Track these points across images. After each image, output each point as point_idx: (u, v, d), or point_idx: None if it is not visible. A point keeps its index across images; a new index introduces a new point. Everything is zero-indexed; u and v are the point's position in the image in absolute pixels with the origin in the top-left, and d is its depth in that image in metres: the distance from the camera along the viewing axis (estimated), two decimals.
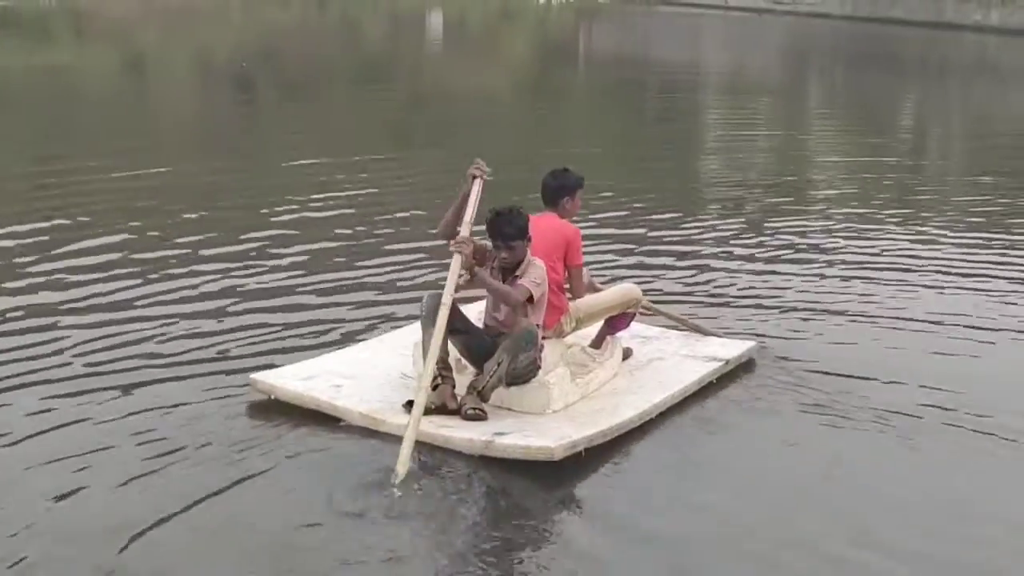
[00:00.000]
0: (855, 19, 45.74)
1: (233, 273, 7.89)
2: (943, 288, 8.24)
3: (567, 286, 5.84)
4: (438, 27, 42.83)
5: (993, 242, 9.89)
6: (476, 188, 5.42)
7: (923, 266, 8.85)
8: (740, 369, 6.22)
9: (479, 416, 5.17)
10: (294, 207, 10.11)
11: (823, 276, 8.44)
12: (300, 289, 7.61)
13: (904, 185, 13.27)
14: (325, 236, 9.10)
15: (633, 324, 6.28)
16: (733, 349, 6.30)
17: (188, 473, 4.71)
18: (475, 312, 5.75)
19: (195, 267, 8.03)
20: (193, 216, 9.68)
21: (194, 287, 7.52)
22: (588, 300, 5.97)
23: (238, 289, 7.54)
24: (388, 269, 8.20)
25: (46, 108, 16.68)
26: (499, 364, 5.19)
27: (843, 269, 8.66)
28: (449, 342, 5.30)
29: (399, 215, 10.02)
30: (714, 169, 14.19)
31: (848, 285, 8.18)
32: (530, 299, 5.30)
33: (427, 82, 23.63)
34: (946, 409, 5.79)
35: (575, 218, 6.05)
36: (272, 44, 30.86)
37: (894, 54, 34.67)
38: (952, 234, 10.14)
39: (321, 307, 7.22)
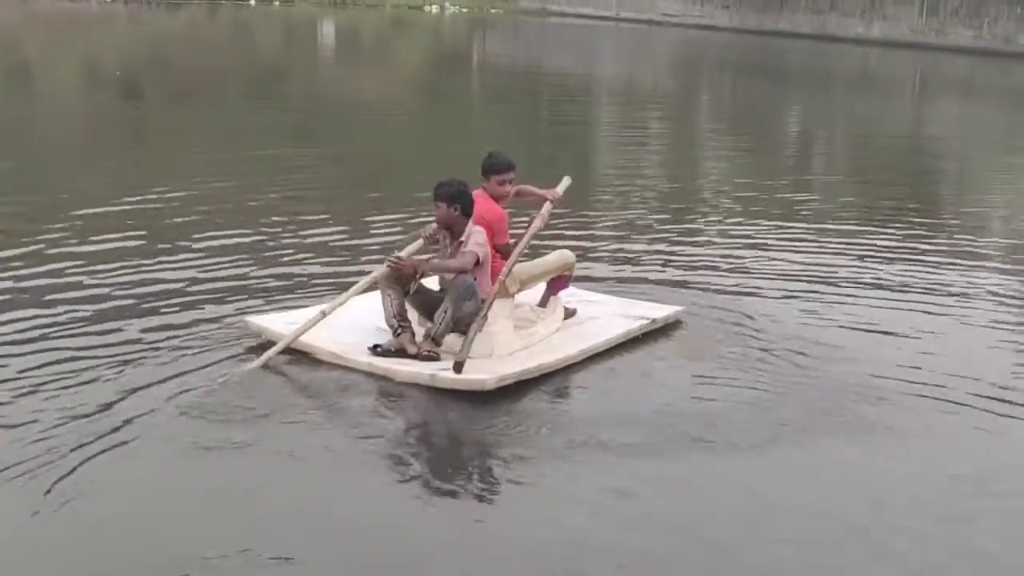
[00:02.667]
0: (742, 31, 46.72)
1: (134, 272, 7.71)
2: (829, 267, 8.83)
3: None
4: (331, 36, 42.53)
5: (874, 229, 10.26)
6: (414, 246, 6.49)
7: (809, 249, 9.49)
8: (670, 328, 7.08)
9: (432, 357, 6.14)
10: (182, 212, 9.92)
11: (724, 257, 8.86)
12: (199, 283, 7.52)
13: (790, 184, 13.59)
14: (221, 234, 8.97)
15: (581, 290, 7.37)
16: (661, 311, 7.17)
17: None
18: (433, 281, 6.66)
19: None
20: (67, 225, 9.45)
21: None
22: (529, 264, 6.85)
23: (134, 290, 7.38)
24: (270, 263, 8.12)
25: None
26: (445, 312, 6.16)
27: (736, 250, 9.21)
28: (408, 304, 6.32)
29: (285, 217, 9.94)
30: (607, 172, 14.33)
31: (741, 262, 8.92)
32: (477, 261, 6.23)
33: (320, 89, 23.44)
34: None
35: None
36: (158, 52, 30.30)
37: (780, 65, 35.51)
38: (833, 226, 10.46)
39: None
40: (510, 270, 6.43)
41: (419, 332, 6.32)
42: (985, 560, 4.46)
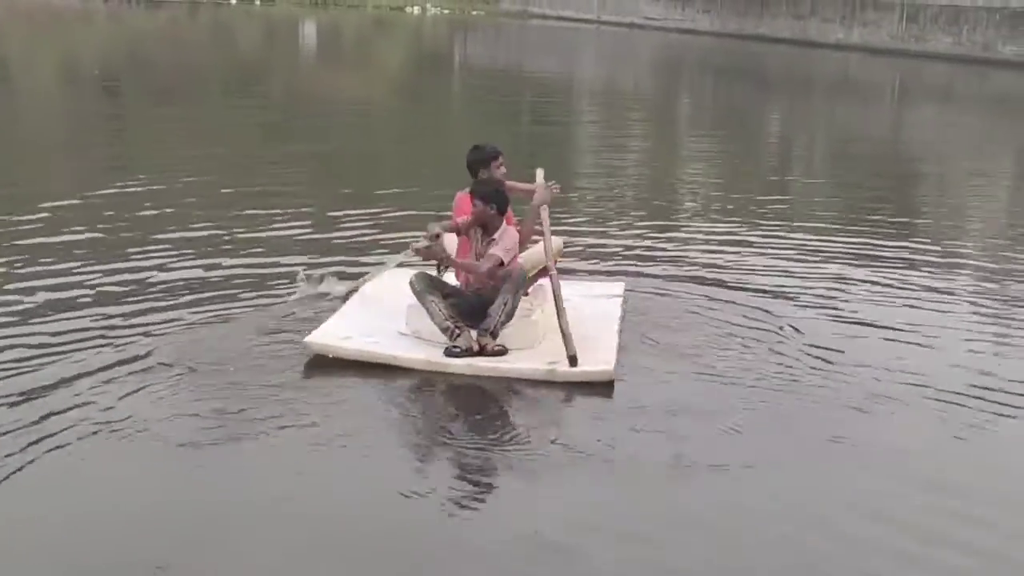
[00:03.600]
0: (722, 35, 46.86)
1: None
2: (804, 261, 9.04)
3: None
4: (312, 36, 42.42)
5: (854, 227, 10.28)
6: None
7: (787, 247, 9.56)
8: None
9: (502, 352, 6.25)
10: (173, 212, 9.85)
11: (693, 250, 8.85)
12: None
13: (766, 186, 13.61)
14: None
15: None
16: (615, 287, 7.52)
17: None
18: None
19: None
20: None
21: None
22: (529, 254, 6.86)
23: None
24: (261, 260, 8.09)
25: None
26: (505, 304, 6.27)
27: (711, 246, 9.26)
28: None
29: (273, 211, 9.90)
30: (585, 172, 14.33)
31: (715, 254, 9.11)
32: (500, 263, 6.33)
33: (300, 88, 23.37)
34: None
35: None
36: (137, 50, 30.15)
37: (760, 69, 35.62)
38: (813, 224, 10.47)
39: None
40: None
41: (427, 332, 6.37)
42: None
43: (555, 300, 6.33)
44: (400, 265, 7.35)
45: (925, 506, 4.86)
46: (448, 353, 6.19)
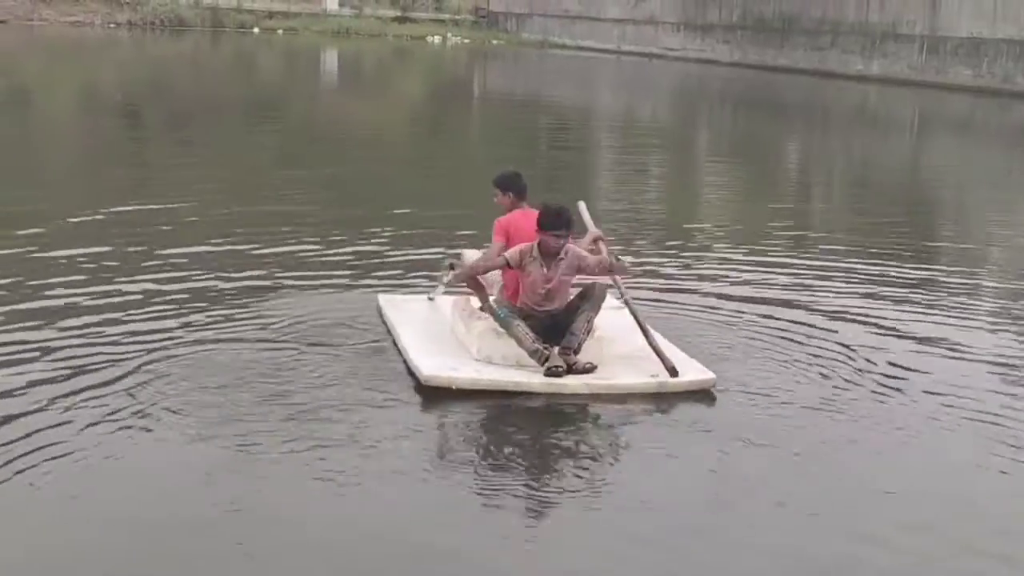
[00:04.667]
0: (742, 66, 46.91)
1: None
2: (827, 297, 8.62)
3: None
4: (333, 64, 42.68)
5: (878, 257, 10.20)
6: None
7: (805, 268, 9.42)
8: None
9: (592, 368, 6.36)
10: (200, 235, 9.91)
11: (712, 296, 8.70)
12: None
13: (784, 216, 13.57)
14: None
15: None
16: (611, 300, 7.26)
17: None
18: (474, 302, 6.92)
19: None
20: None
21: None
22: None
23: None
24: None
25: None
26: (588, 321, 6.47)
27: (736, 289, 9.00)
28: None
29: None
30: (604, 205, 14.32)
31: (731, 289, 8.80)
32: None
33: (322, 118, 23.49)
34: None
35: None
36: (160, 77, 30.39)
37: (779, 100, 35.61)
38: (839, 263, 10.41)
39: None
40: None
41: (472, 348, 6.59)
42: None
43: (636, 319, 6.58)
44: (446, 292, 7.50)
45: None
46: (551, 374, 6.25)
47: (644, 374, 6.37)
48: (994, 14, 38.65)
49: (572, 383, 6.23)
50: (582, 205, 7.37)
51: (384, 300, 7.60)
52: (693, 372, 6.40)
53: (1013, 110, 33.58)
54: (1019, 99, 35.14)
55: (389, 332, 7.06)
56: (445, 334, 6.93)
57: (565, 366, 6.29)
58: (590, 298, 6.51)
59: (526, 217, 6.77)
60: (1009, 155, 24.07)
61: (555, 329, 6.49)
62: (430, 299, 7.63)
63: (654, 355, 6.45)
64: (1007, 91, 36.72)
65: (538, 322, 6.52)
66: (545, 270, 6.49)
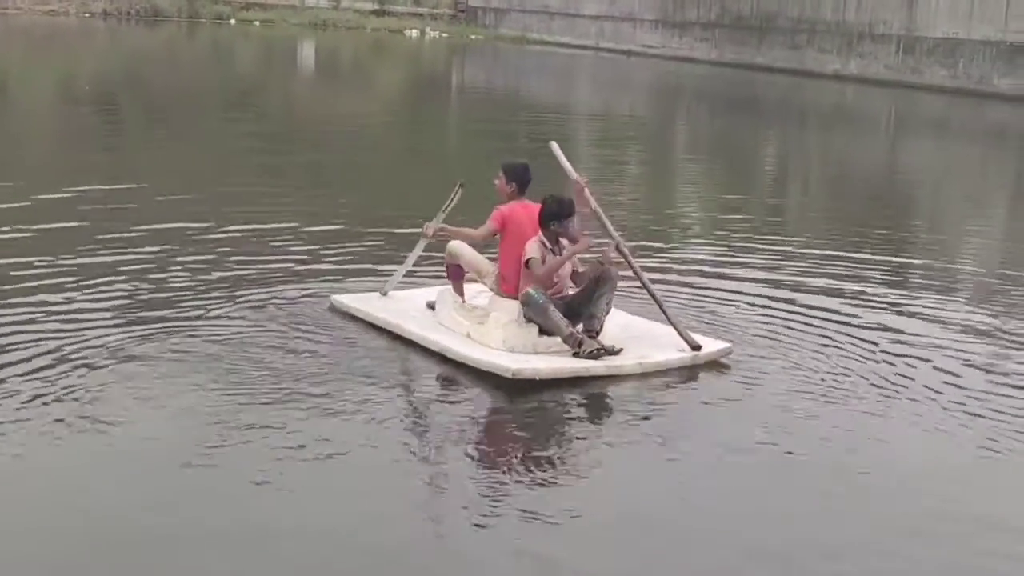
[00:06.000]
0: (720, 64, 46.97)
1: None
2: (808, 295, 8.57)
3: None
4: (310, 58, 42.45)
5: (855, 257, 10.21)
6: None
7: (774, 275, 9.33)
8: None
9: (620, 350, 6.56)
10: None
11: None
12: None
13: (759, 212, 13.58)
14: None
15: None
16: None
17: None
18: (474, 289, 7.19)
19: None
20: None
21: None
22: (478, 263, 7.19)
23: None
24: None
25: None
26: (608, 304, 6.71)
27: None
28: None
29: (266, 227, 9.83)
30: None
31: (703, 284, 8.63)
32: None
33: (296, 108, 23.34)
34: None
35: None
36: (133, 68, 30.14)
37: (756, 98, 35.67)
38: (799, 250, 10.42)
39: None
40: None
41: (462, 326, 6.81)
42: None
43: (655, 300, 6.90)
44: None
45: None
46: (592, 357, 6.45)
47: (673, 349, 6.71)
48: (970, 15, 38.85)
49: (627, 363, 6.48)
50: (555, 145, 7.26)
51: (349, 299, 7.44)
52: (711, 344, 6.81)
53: (987, 110, 33.75)
54: (994, 99, 35.33)
55: (376, 328, 7.01)
56: (448, 326, 6.94)
57: (604, 348, 6.50)
58: (607, 281, 6.68)
59: (525, 209, 6.88)
60: (983, 153, 24.18)
61: (568, 314, 6.66)
62: (383, 294, 7.52)
63: (669, 333, 6.84)
64: (983, 91, 36.92)
65: (558, 308, 6.70)
66: (560, 252, 6.74)
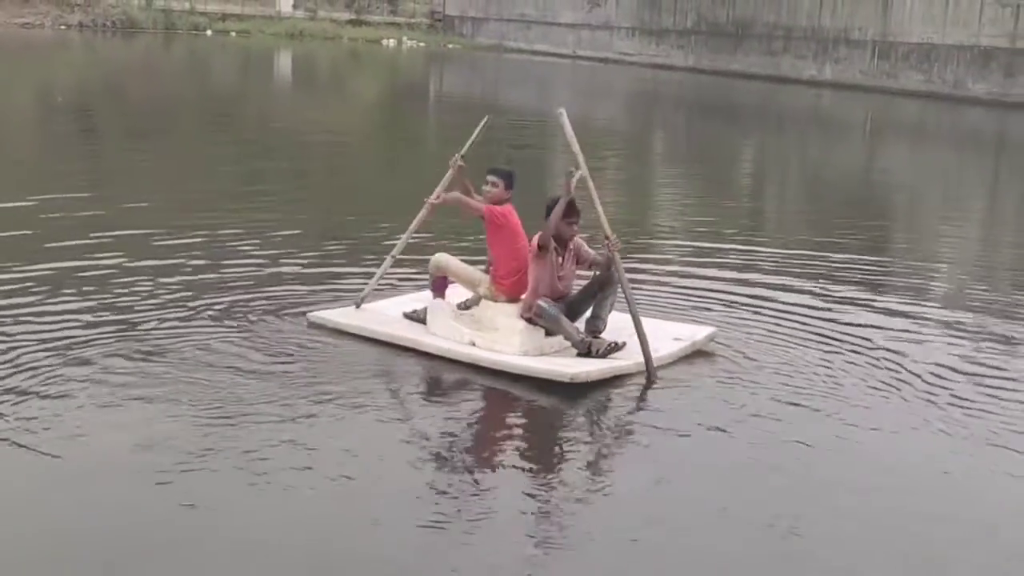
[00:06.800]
0: (697, 71, 47.18)
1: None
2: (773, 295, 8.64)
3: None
4: (287, 67, 42.37)
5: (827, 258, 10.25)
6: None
7: (749, 277, 9.44)
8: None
9: (623, 345, 6.78)
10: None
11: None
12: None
13: (736, 217, 13.62)
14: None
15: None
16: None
17: None
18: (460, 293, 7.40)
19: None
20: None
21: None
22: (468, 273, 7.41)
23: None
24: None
25: None
26: (611, 305, 6.98)
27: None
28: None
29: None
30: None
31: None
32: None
33: (273, 119, 23.28)
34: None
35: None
36: (108, 79, 30.01)
37: (733, 104, 35.81)
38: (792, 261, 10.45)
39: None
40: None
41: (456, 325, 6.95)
42: None
43: (634, 317, 6.80)
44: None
45: None
46: (602, 355, 6.71)
47: (672, 339, 7.01)
48: (944, 20, 39.14)
49: (628, 363, 6.66)
50: (564, 116, 7.29)
51: (335, 314, 7.37)
52: (698, 332, 7.19)
53: (961, 115, 33.99)
54: (969, 103, 35.59)
55: (377, 342, 6.98)
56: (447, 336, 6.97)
57: (612, 345, 6.75)
58: (609, 283, 6.92)
59: (514, 214, 7.15)
60: (957, 157, 24.33)
61: (569, 314, 6.90)
62: (356, 306, 7.49)
63: (664, 324, 7.23)
64: (957, 96, 37.20)
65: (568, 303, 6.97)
66: (560, 260, 6.92)
